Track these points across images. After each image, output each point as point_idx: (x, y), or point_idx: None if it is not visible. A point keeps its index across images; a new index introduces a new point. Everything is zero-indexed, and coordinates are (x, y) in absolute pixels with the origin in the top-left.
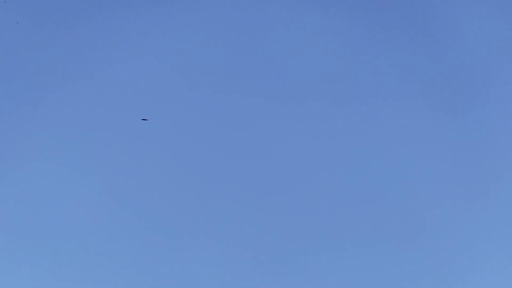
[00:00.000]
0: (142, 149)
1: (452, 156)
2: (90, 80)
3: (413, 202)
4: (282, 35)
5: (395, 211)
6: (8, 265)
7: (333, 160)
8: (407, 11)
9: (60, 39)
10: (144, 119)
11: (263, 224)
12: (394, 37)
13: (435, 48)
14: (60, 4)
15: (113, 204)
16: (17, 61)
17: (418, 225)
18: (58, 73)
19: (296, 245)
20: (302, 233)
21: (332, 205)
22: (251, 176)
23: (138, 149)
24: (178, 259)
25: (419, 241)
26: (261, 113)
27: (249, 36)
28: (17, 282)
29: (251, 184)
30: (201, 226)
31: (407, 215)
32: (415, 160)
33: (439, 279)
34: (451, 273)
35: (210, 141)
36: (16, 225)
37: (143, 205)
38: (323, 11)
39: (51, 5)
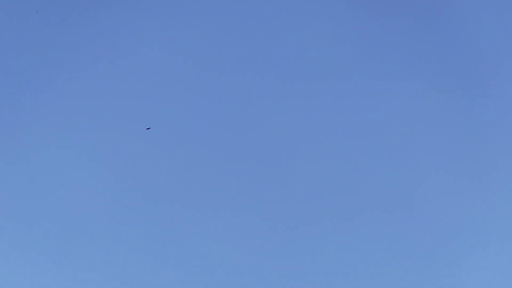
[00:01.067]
0: (148, 147)
1: (460, 141)
2: (91, 79)
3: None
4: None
5: (398, 197)
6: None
7: (334, 143)
8: None
9: (60, 38)
10: (148, 128)
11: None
12: (401, 12)
13: (444, 24)
14: (60, 2)
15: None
16: (15, 59)
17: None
18: (59, 73)
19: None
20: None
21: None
22: (255, 155)
23: (144, 145)
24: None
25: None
26: (263, 90)
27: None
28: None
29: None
30: (207, 199)
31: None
32: (420, 144)
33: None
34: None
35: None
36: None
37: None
38: None
39: (50, 3)
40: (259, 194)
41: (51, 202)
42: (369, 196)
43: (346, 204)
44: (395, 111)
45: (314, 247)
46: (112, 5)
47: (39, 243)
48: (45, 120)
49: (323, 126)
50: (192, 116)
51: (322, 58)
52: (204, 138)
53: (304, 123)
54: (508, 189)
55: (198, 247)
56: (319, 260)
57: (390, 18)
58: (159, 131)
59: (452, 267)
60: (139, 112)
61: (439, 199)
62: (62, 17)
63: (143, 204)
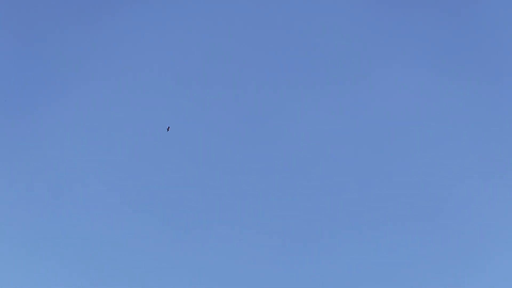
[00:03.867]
0: (153, 145)
1: (469, 127)
2: (95, 80)
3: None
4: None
5: (404, 189)
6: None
7: (338, 133)
8: None
9: (62, 39)
10: (168, 128)
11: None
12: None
13: (462, 15)
14: (61, 4)
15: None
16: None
17: (432, 205)
18: (62, 74)
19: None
20: (315, 211)
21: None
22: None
23: (150, 145)
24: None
25: (433, 219)
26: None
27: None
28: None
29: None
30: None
31: (420, 192)
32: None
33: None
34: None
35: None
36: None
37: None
38: None
39: (50, 6)
40: (273, 196)
41: (64, 205)
42: (385, 193)
43: (366, 206)
44: (413, 105)
45: (330, 250)
46: (129, 10)
47: (49, 246)
48: (61, 124)
49: (338, 124)
50: (208, 121)
51: (338, 52)
52: (218, 141)
53: (321, 121)
54: None
55: (210, 250)
56: (339, 263)
57: (405, 11)
58: (181, 136)
59: (476, 269)
60: (153, 115)
61: (462, 198)
62: (76, 27)
63: (155, 205)
